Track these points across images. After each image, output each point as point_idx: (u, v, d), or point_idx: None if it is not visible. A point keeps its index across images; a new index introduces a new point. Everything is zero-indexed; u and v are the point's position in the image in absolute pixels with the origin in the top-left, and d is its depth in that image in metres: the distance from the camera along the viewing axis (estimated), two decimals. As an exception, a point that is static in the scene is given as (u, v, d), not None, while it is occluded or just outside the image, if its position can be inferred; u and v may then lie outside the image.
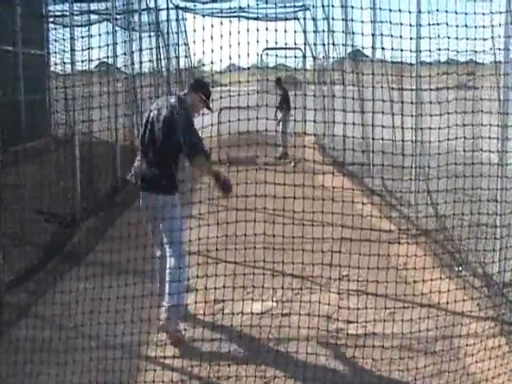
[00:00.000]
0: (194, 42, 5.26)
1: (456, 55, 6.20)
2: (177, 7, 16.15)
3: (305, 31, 16.68)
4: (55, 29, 10.53)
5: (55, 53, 10.03)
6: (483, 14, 5.60)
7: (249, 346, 5.20)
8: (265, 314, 5.76)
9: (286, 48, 6.12)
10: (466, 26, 5.52)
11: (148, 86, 12.58)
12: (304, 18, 17.95)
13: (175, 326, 5.32)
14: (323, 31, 14.08)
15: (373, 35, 6.90)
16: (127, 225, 5.34)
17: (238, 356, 5.06)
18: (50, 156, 9.73)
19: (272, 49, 6.21)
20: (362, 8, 5.70)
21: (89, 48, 8.07)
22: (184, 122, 5.32)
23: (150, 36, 13.21)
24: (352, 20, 6.43)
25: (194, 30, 5.16)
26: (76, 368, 4.57)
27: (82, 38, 8.62)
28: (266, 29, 5.06)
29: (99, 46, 7.94)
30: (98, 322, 4.93)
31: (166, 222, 5.34)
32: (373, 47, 7.88)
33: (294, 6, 16.73)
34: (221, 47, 5.00)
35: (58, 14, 11.03)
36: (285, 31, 5.13)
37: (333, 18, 11.62)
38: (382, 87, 8.20)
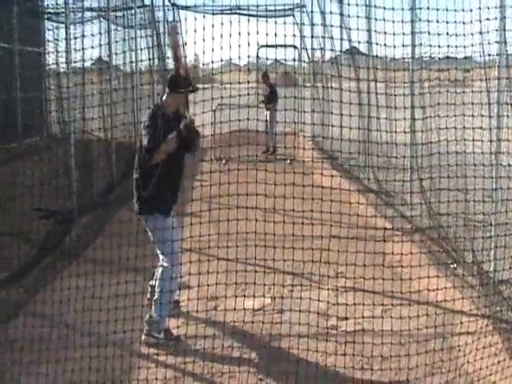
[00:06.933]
0: (195, 42, 5.19)
1: (452, 53, 6.20)
2: (173, 5, 16.13)
3: (300, 23, 16.63)
4: (54, 27, 10.48)
5: (53, 51, 9.99)
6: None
7: (242, 343, 5.20)
8: (258, 310, 5.75)
9: (281, 45, 6.13)
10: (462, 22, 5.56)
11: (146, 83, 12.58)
12: (300, 11, 17.83)
13: (161, 326, 5.30)
14: (320, 25, 14.01)
15: (368, 31, 6.88)
16: (124, 222, 5.33)
17: (231, 352, 5.06)
18: (46, 153, 9.71)
19: (267, 46, 6.21)
20: (357, 4, 5.71)
21: (83, 47, 8.05)
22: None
23: (146, 35, 13.14)
24: (348, 16, 6.43)
25: (195, 31, 5.09)
26: (68, 366, 4.55)
27: (76, 37, 8.58)
28: (266, 21, 5.08)
29: (92, 46, 7.92)
30: (92, 320, 4.90)
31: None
32: (368, 42, 7.83)
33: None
34: (218, 45, 4.98)
35: (52, 11, 10.98)
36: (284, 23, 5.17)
37: (331, 12, 11.47)
38: (375, 80, 8.20)
